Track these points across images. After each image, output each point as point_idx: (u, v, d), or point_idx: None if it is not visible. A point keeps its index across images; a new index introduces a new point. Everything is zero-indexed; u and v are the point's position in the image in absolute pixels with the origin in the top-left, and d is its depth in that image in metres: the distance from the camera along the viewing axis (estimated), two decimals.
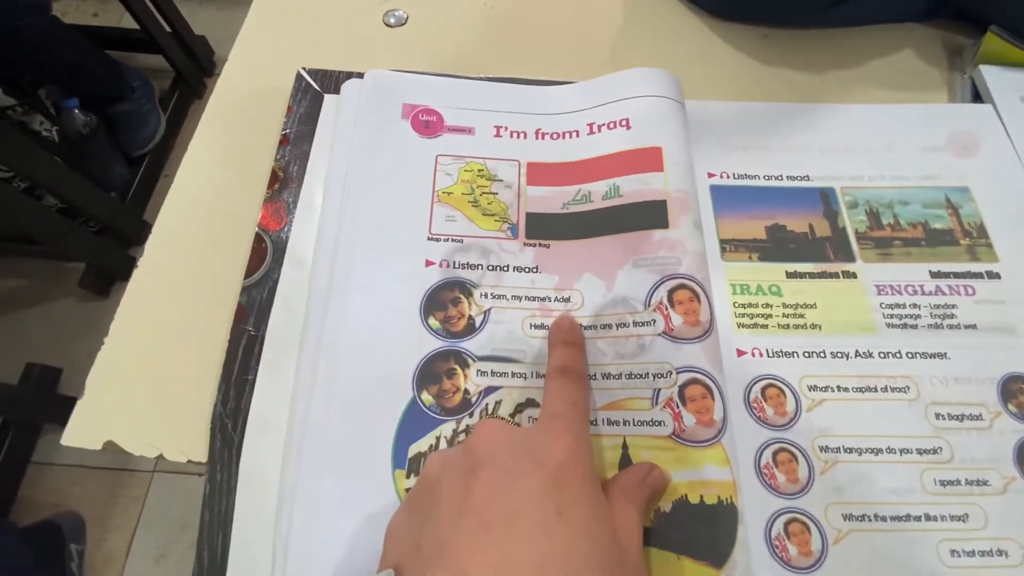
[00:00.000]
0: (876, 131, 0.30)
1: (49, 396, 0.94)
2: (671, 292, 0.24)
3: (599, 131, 0.28)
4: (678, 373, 0.23)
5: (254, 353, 0.25)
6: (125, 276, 1.04)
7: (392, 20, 0.33)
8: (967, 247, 0.27)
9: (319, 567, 0.21)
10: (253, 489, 0.23)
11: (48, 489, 0.90)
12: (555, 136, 0.29)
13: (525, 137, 0.29)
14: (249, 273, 0.26)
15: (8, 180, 0.88)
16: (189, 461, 0.24)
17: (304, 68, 0.31)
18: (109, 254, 1.01)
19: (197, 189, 0.29)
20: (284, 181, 0.28)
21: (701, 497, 0.20)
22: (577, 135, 0.29)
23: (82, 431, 0.24)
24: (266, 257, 0.26)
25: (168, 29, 1.10)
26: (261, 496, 0.23)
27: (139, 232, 1.05)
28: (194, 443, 0.24)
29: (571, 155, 0.28)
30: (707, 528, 0.20)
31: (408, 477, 0.22)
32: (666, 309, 0.24)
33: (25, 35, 0.86)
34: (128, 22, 1.08)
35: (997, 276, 0.26)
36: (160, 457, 0.24)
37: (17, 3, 0.85)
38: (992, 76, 0.31)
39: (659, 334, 0.23)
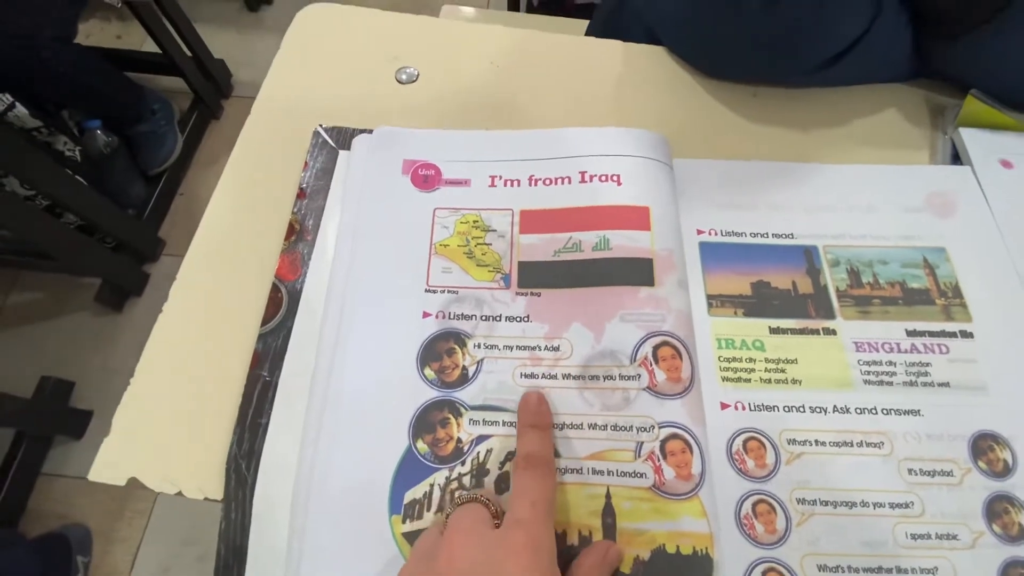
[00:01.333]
0: (858, 191, 0.32)
1: (62, 409, 0.96)
2: (656, 348, 0.26)
3: (591, 181, 0.30)
4: (660, 428, 0.24)
5: (268, 398, 0.26)
6: (139, 292, 1.06)
7: (404, 77, 0.36)
8: (942, 307, 0.28)
9: None
10: (265, 527, 0.24)
11: (56, 500, 0.92)
12: (548, 182, 0.31)
13: (518, 185, 0.31)
14: (265, 321, 0.28)
15: (31, 198, 0.91)
16: (206, 498, 0.25)
17: (321, 125, 0.33)
18: (124, 270, 1.04)
19: (220, 237, 0.31)
20: (300, 233, 0.30)
21: (678, 547, 0.22)
22: (569, 182, 0.30)
23: (107, 467, 0.26)
24: (282, 306, 0.28)
25: (188, 53, 1.14)
26: (272, 534, 0.24)
27: (154, 249, 1.08)
28: (210, 481, 0.26)
29: (563, 202, 0.30)
30: None
31: (404, 522, 0.23)
32: (651, 365, 0.25)
33: (49, 65, 0.90)
34: (150, 45, 1.12)
35: (970, 335, 0.27)
36: (180, 495, 0.25)
37: (42, 35, 0.88)
38: (972, 138, 0.33)
39: (643, 388, 0.25)
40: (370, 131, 0.32)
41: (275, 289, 0.28)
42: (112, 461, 0.26)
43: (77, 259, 0.93)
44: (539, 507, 0.21)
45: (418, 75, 0.36)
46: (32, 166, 0.83)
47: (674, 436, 0.24)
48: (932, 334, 0.27)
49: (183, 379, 0.28)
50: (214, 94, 1.22)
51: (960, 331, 0.28)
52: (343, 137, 0.33)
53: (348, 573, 0.23)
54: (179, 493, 0.26)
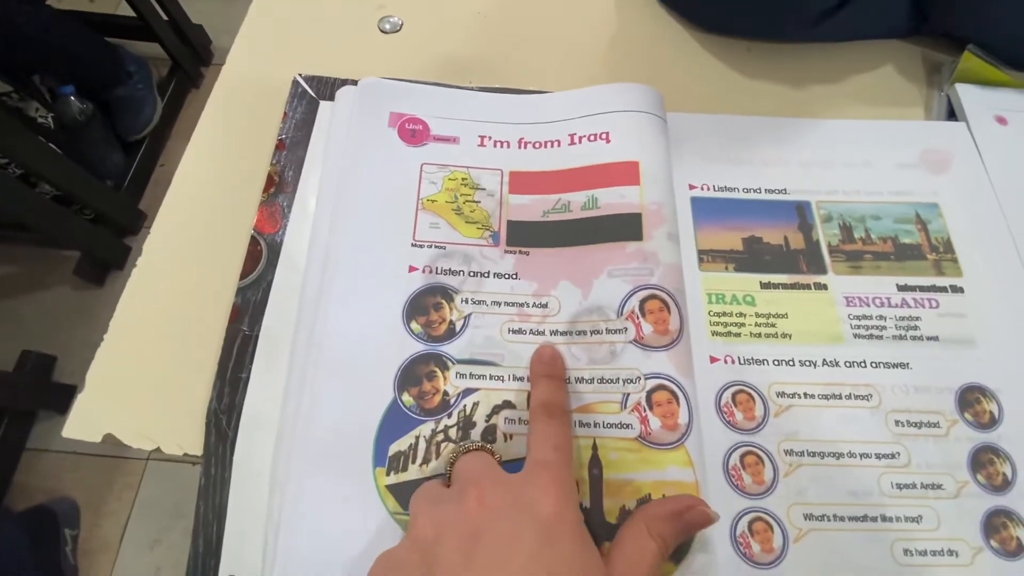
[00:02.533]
0: (853, 146, 0.31)
1: (44, 383, 0.94)
2: (643, 302, 0.25)
3: (580, 142, 0.29)
4: (646, 379, 0.24)
5: (248, 352, 0.26)
6: (120, 265, 1.04)
7: (387, 27, 0.34)
8: (933, 262, 0.28)
9: (305, 557, 0.22)
10: (246, 482, 0.24)
11: (43, 475, 0.91)
12: (537, 145, 0.30)
13: (508, 146, 0.30)
14: (244, 275, 0.27)
15: (3, 167, 0.87)
16: (185, 455, 0.25)
17: (300, 75, 0.31)
18: (104, 243, 1.01)
19: (195, 190, 0.30)
20: (280, 185, 0.29)
21: (663, 495, 0.22)
22: (559, 144, 0.30)
23: (82, 424, 0.25)
24: (261, 259, 0.27)
25: (165, 17, 1.10)
26: (253, 489, 0.24)
27: (134, 221, 1.05)
28: (189, 437, 0.25)
29: (552, 164, 0.29)
30: None
31: (388, 475, 0.23)
32: (637, 318, 0.25)
33: (19, 27, 0.86)
34: (125, 9, 1.07)
35: (960, 290, 0.27)
36: (157, 450, 0.25)
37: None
38: (967, 94, 0.32)
39: (630, 341, 0.25)
40: (354, 82, 0.31)
41: (254, 242, 0.27)
42: (87, 417, 0.25)
43: (54, 231, 0.90)
44: (562, 451, 0.21)
45: (402, 24, 0.34)
46: (3, 132, 0.80)
47: (660, 387, 0.24)
48: (923, 289, 0.27)
49: (158, 334, 0.27)
50: (193, 61, 1.18)
51: (951, 286, 0.27)
52: (324, 87, 0.31)
53: (330, 527, 0.22)
54: (157, 449, 0.25)
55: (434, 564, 0.18)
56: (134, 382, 0.26)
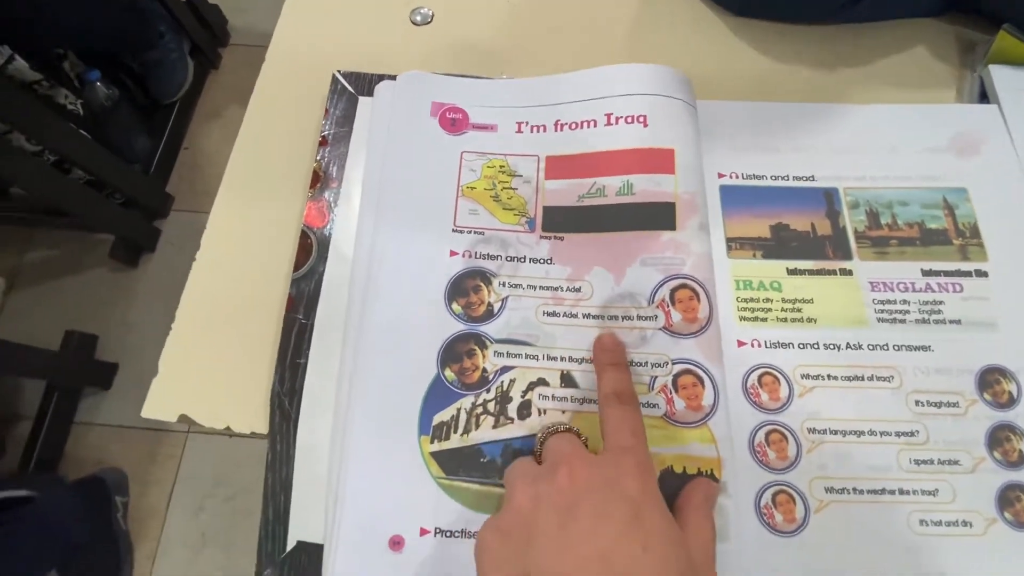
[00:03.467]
0: (881, 132, 0.31)
1: (88, 361, 0.99)
2: (673, 291, 0.27)
3: (616, 123, 0.30)
4: (673, 364, 0.25)
5: (305, 339, 0.28)
6: (151, 247, 1.07)
7: (419, 18, 0.35)
8: (959, 247, 0.29)
9: (361, 519, 0.24)
10: (309, 457, 0.26)
11: (91, 447, 0.97)
12: (573, 126, 0.30)
13: (545, 131, 0.31)
14: (297, 267, 0.29)
15: (38, 154, 0.90)
16: (253, 433, 0.27)
17: (339, 71, 0.33)
18: (135, 226, 1.04)
19: (244, 186, 0.31)
20: (325, 181, 0.30)
21: (684, 468, 0.24)
22: (595, 124, 0.30)
23: (159, 405, 0.28)
24: (311, 252, 0.29)
25: None
26: (315, 463, 0.26)
27: (163, 205, 1.08)
28: (254, 417, 0.27)
29: (588, 146, 0.30)
30: None
31: (432, 443, 0.25)
32: (667, 306, 0.26)
33: (42, 6, 0.86)
34: None
35: (985, 275, 0.28)
36: (228, 429, 0.27)
37: None
38: (1001, 75, 0.32)
39: (660, 328, 0.26)
40: (393, 77, 0.32)
41: (304, 236, 0.29)
42: (162, 399, 0.28)
43: (88, 215, 0.94)
44: (639, 435, 0.22)
45: (433, 16, 0.35)
46: (37, 121, 0.82)
47: (686, 372, 0.25)
48: (947, 273, 0.28)
49: (220, 323, 0.29)
50: (211, 42, 1.18)
51: (975, 270, 0.28)
52: (362, 83, 0.32)
53: (382, 489, 0.25)
54: (227, 428, 0.27)
55: (534, 532, 0.20)
56: (201, 367, 0.28)
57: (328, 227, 0.29)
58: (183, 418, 0.27)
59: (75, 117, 0.98)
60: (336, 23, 0.35)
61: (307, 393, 0.27)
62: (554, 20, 0.35)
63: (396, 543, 0.24)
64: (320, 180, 0.30)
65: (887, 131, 0.31)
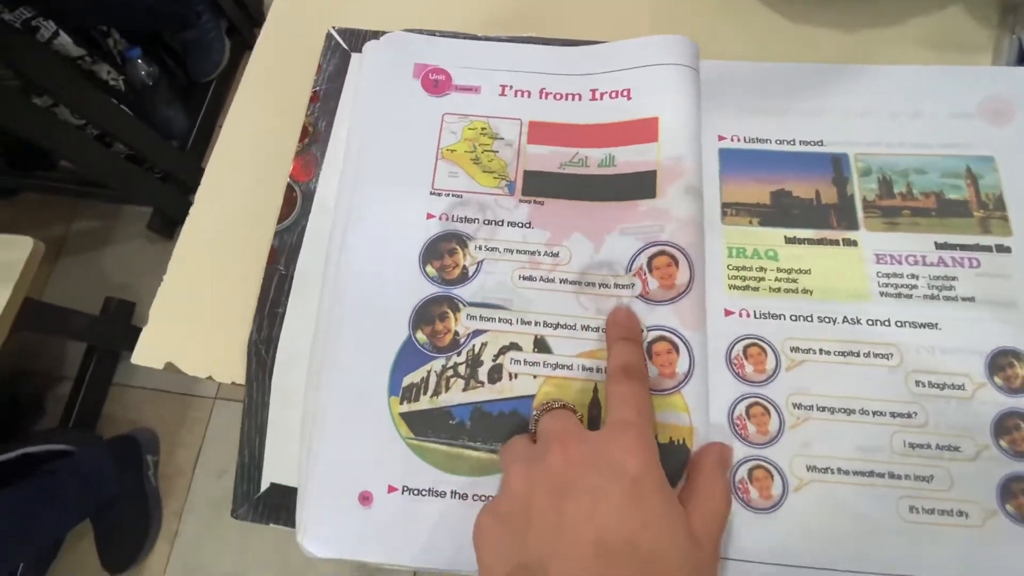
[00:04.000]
0: (904, 94, 0.29)
1: (126, 326, 1.05)
2: (651, 258, 0.26)
3: (600, 99, 0.29)
4: (648, 331, 0.25)
5: (284, 290, 0.28)
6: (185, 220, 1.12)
7: None
8: (980, 219, 0.26)
9: (331, 472, 0.25)
10: (283, 405, 0.27)
11: (127, 407, 1.03)
12: (558, 97, 0.30)
13: (528, 96, 0.30)
14: (281, 219, 0.29)
15: (81, 127, 0.95)
16: (233, 383, 0.28)
17: (334, 27, 0.33)
18: (172, 200, 1.09)
19: (240, 142, 0.32)
20: (313, 136, 0.30)
21: (656, 435, 0.23)
22: (579, 99, 0.30)
23: (147, 353, 0.29)
24: (296, 205, 0.29)
25: None
26: (289, 411, 0.27)
27: (197, 180, 1.12)
28: (236, 367, 0.28)
29: (572, 118, 0.29)
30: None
31: (401, 404, 0.25)
32: (645, 274, 0.26)
33: None
34: None
35: (1007, 250, 0.26)
36: (210, 378, 0.28)
37: None
38: None
39: (636, 296, 0.25)
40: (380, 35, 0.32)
41: (290, 189, 0.29)
42: (151, 347, 0.29)
43: (128, 188, 0.98)
44: (643, 412, 0.22)
45: None
46: (81, 95, 0.86)
47: (660, 339, 0.25)
48: (964, 247, 0.26)
49: (210, 276, 0.30)
50: (247, 22, 1.21)
51: (996, 245, 0.26)
52: (356, 39, 0.32)
53: (351, 445, 0.25)
54: (209, 377, 0.28)
55: (531, 515, 0.19)
56: (189, 319, 0.29)
57: (313, 181, 0.29)
58: (169, 366, 0.28)
59: (117, 93, 1.02)
60: None
61: (283, 342, 0.27)
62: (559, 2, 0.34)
63: (365, 498, 0.24)
64: (309, 135, 0.30)
65: (910, 93, 0.29)
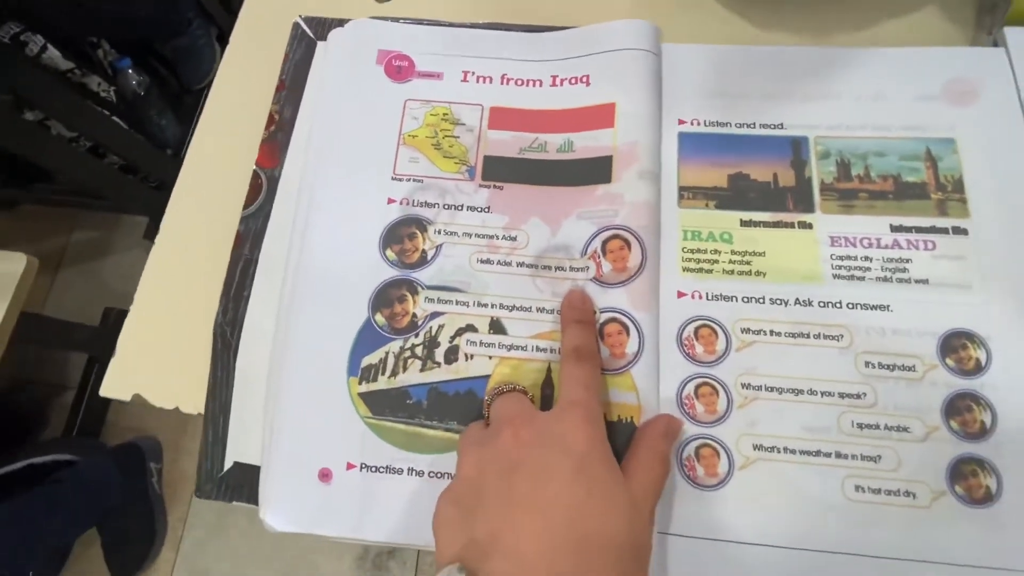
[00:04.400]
0: (867, 77, 0.30)
1: None
2: (605, 242, 0.27)
3: (561, 85, 0.31)
4: (601, 313, 0.26)
5: (250, 274, 0.30)
6: None
7: None
8: (937, 201, 0.27)
9: (292, 450, 0.26)
10: (247, 385, 0.28)
11: (130, 416, 1.06)
12: (520, 83, 0.31)
13: (490, 82, 0.31)
14: (247, 205, 0.31)
15: (73, 140, 0.97)
16: (199, 413, 0.29)
17: (301, 16, 0.35)
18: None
19: (212, 137, 0.34)
20: (279, 123, 0.32)
21: (604, 415, 0.24)
22: (540, 85, 0.31)
23: (115, 385, 0.30)
24: (261, 192, 0.31)
25: None
26: (253, 391, 0.28)
27: None
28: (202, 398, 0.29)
29: (532, 103, 0.31)
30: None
31: (360, 384, 0.27)
32: (599, 257, 0.27)
33: (81, 2, 0.92)
34: None
35: (964, 232, 0.26)
36: (177, 409, 0.29)
37: None
38: (1017, 39, 0.29)
39: (590, 279, 0.27)
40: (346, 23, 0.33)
41: (255, 176, 0.31)
42: (118, 379, 0.30)
43: (124, 198, 1.01)
44: (591, 390, 0.23)
45: None
46: (72, 109, 0.88)
47: (612, 320, 0.26)
48: (920, 230, 0.27)
49: (179, 302, 0.31)
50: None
51: (953, 227, 0.26)
52: (322, 28, 0.34)
53: (313, 424, 0.26)
54: (176, 408, 0.29)
55: (482, 496, 0.21)
56: (156, 349, 0.30)
57: (278, 168, 0.31)
58: (136, 397, 0.30)
59: (108, 104, 1.05)
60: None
61: (248, 324, 0.29)
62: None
63: (325, 475, 0.26)
64: (275, 123, 0.32)
65: (873, 77, 0.30)
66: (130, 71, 1.06)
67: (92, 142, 0.98)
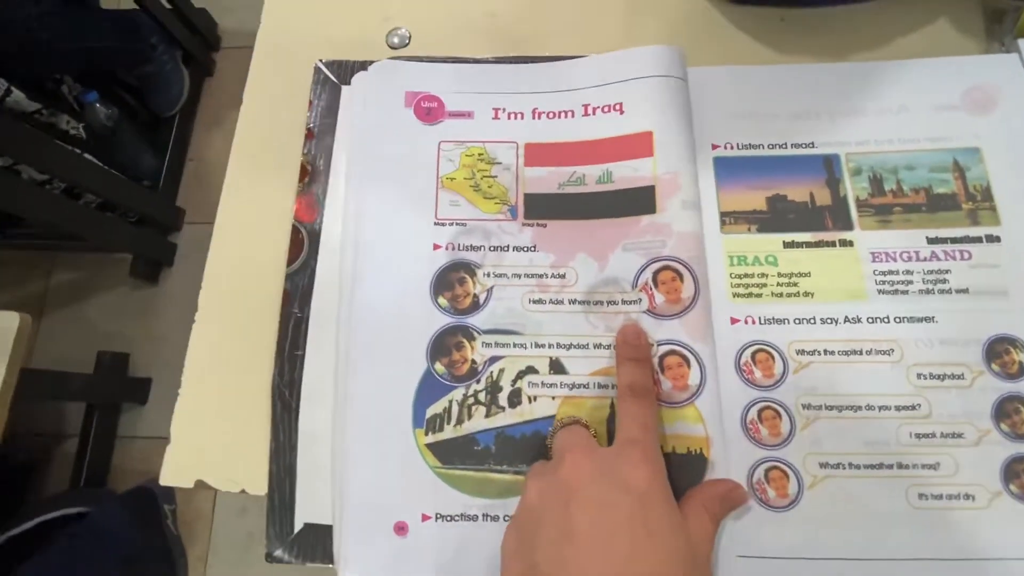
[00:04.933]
0: (888, 90, 0.32)
1: (122, 379, 1.08)
2: (656, 273, 0.29)
3: (594, 113, 0.32)
4: (658, 346, 0.28)
5: (302, 331, 0.31)
6: (169, 262, 1.14)
7: (396, 40, 0.37)
8: (968, 211, 0.29)
9: (364, 507, 0.27)
10: (311, 445, 0.30)
11: (136, 459, 1.06)
12: (551, 116, 0.33)
13: (522, 118, 0.33)
14: (290, 262, 0.32)
15: (46, 183, 0.95)
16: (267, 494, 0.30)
17: (321, 60, 0.35)
18: (151, 243, 1.11)
19: (240, 196, 0.35)
20: (313, 174, 0.33)
21: (673, 448, 0.26)
22: (573, 115, 0.32)
23: (174, 473, 0.31)
24: (303, 247, 0.32)
25: (168, 5, 1.12)
26: (318, 451, 0.30)
27: (175, 219, 1.15)
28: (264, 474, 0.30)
29: (567, 136, 0.32)
30: (676, 472, 0.25)
31: (426, 435, 0.28)
32: (651, 289, 0.29)
33: (35, 33, 0.91)
34: (127, 3, 1.12)
35: (996, 239, 0.29)
36: (243, 492, 0.30)
37: (29, 14, 0.89)
38: None
39: (644, 311, 0.28)
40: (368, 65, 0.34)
41: (295, 231, 0.32)
42: (178, 465, 0.31)
43: (104, 237, 1.01)
44: (649, 429, 0.24)
45: (410, 37, 0.37)
46: (41, 151, 0.87)
47: (671, 352, 0.27)
48: (954, 240, 0.29)
49: (229, 372, 0.31)
50: (203, 48, 1.22)
51: (986, 235, 0.29)
52: (345, 71, 0.35)
53: (382, 478, 0.28)
54: (243, 491, 0.30)
55: (541, 524, 0.22)
56: (214, 428, 0.31)
57: (318, 221, 0.33)
58: (199, 483, 0.30)
59: (79, 141, 1.04)
60: (319, 15, 0.37)
61: (306, 383, 0.30)
62: (537, 28, 0.36)
63: (400, 528, 0.27)
64: (308, 174, 0.33)
65: (893, 89, 0.32)
66: (98, 104, 1.05)
67: (66, 183, 0.97)
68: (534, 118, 0.33)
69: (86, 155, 0.99)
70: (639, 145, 0.31)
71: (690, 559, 0.22)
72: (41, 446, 1.07)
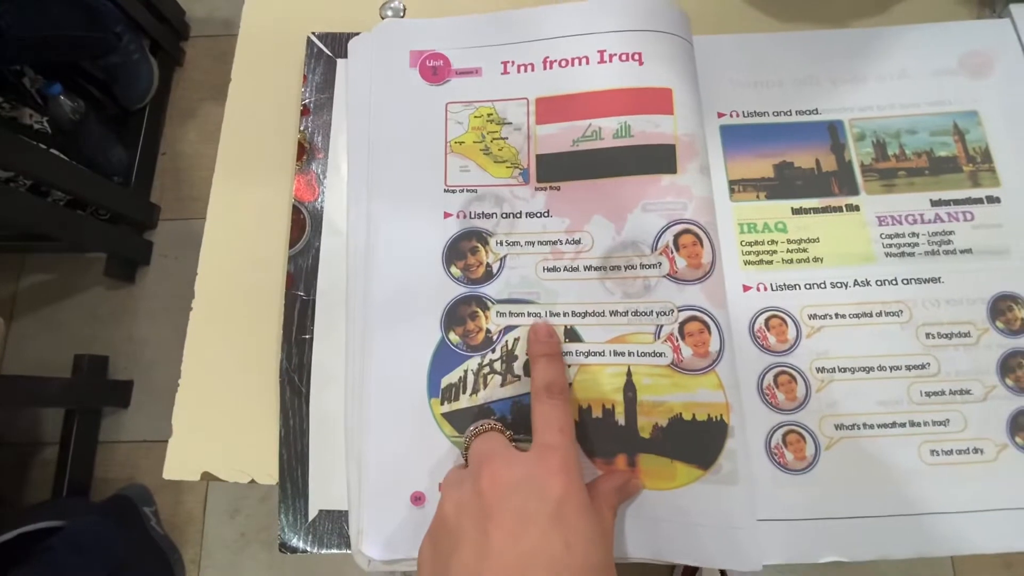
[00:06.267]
0: (888, 56, 0.32)
1: (101, 382, 1.04)
2: (676, 236, 0.28)
3: (610, 60, 0.31)
4: (679, 311, 0.28)
5: (308, 314, 0.31)
6: (146, 260, 1.11)
7: (390, 13, 0.36)
8: (969, 173, 0.30)
9: (382, 483, 0.27)
10: (323, 429, 0.29)
11: (120, 465, 1.03)
12: (564, 63, 0.31)
13: (533, 69, 0.32)
14: (292, 243, 0.31)
15: (10, 180, 0.91)
16: (277, 483, 0.29)
17: (314, 33, 0.34)
18: (125, 241, 1.07)
19: (235, 174, 0.34)
20: (311, 152, 0.33)
21: (694, 415, 0.26)
22: (587, 62, 0.31)
23: (178, 467, 0.30)
24: (305, 227, 0.32)
25: None
26: (329, 433, 0.29)
27: (149, 215, 1.11)
28: (272, 464, 0.29)
29: (581, 85, 0.31)
30: (697, 439, 0.25)
31: (442, 404, 0.28)
32: (671, 253, 0.28)
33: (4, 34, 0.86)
34: None
35: (997, 200, 0.29)
36: (253, 482, 0.29)
37: None
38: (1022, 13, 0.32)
39: (664, 276, 0.28)
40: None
41: (296, 211, 0.32)
42: (181, 459, 0.30)
43: (75, 236, 0.96)
44: (566, 433, 0.24)
45: (404, 10, 0.36)
46: (4, 147, 0.83)
47: (693, 318, 0.27)
48: (957, 202, 0.30)
49: (230, 360, 0.31)
50: (172, 37, 1.17)
51: (987, 196, 0.30)
52: (339, 44, 0.34)
53: (401, 451, 0.28)
54: (252, 481, 0.30)
55: (459, 542, 0.21)
56: (217, 420, 0.30)
57: (319, 200, 0.32)
58: (206, 475, 0.30)
59: (43, 136, 0.99)
60: (304, 24, 0.35)
61: (315, 367, 0.30)
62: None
63: (417, 499, 0.27)
64: (306, 152, 0.33)
65: (892, 55, 0.32)
66: (62, 97, 1.00)
67: (31, 180, 0.93)
68: (545, 68, 0.31)
69: (52, 151, 0.95)
70: (659, 100, 0.30)
71: (605, 568, 0.22)
72: (20, 454, 1.04)
